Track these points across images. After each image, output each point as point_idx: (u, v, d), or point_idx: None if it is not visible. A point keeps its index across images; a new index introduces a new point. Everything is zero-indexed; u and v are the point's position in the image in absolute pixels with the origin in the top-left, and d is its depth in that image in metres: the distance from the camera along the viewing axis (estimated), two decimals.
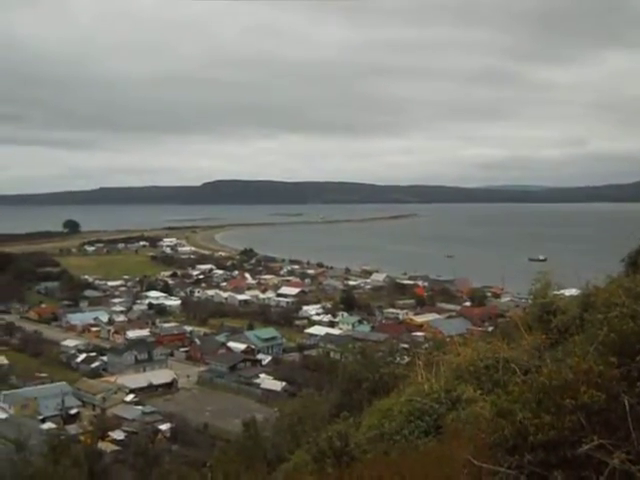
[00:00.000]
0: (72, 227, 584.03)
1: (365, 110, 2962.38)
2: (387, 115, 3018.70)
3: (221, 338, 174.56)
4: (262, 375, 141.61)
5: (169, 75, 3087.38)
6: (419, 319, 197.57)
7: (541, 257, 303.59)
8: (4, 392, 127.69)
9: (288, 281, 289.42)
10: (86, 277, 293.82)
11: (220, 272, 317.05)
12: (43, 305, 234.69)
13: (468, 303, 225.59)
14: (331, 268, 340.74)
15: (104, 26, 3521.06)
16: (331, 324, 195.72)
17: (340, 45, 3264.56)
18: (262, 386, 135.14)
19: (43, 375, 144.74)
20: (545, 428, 8.80)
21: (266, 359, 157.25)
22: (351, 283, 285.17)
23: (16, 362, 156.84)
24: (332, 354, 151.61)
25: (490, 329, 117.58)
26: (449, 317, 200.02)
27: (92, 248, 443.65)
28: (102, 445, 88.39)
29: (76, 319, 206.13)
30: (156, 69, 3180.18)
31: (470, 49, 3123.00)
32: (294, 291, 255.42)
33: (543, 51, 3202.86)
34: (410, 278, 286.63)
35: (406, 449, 14.95)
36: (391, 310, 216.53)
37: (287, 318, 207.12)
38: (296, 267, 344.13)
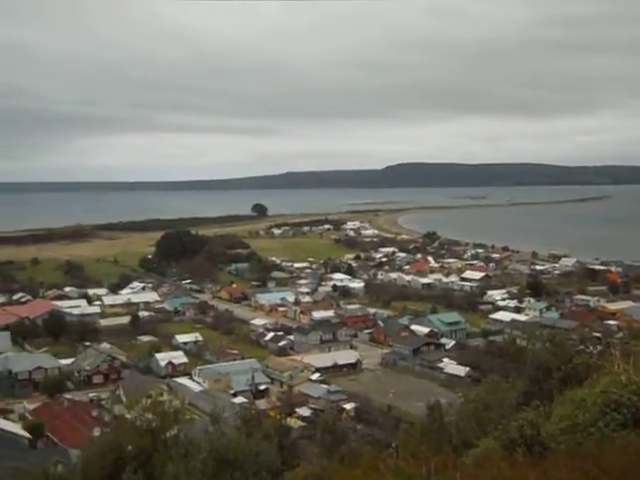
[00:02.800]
0: (260, 211, 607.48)
1: (550, 89, 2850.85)
2: (574, 93, 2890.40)
3: (404, 321, 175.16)
4: (445, 359, 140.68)
5: (349, 60, 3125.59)
6: (612, 306, 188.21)
7: None
8: (199, 367, 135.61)
9: (472, 265, 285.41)
10: (273, 259, 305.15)
11: (403, 255, 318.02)
12: (234, 285, 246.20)
13: None
14: (517, 252, 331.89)
15: (285, 14, 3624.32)
16: (517, 310, 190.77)
17: (521, 23, 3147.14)
18: (445, 370, 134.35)
19: (234, 352, 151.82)
20: None
21: (449, 343, 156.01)
22: (538, 268, 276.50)
23: (209, 339, 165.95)
24: (518, 341, 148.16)
25: None
26: None
27: (279, 231, 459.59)
28: (289, 421, 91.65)
29: (264, 299, 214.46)
30: (335, 54, 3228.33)
31: None
32: (478, 275, 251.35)
33: None
34: (602, 263, 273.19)
35: (602, 442, 14.37)
36: (581, 297, 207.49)
37: (471, 303, 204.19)
38: (480, 251, 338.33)
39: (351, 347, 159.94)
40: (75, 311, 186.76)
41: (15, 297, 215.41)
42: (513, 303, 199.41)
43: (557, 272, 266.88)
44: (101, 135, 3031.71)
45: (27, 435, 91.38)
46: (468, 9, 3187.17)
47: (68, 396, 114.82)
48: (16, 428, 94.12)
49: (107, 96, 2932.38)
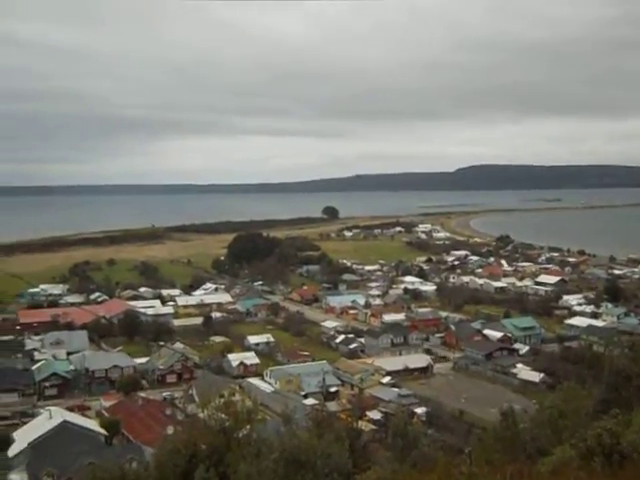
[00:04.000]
0: (331, 213, 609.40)
1: (626, 88, 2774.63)
2: None
3: (476, 325, 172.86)
4: (519, 365, 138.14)
5: (417, 61, 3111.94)
6: None
7: None
8: (271, 368, 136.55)
9: (547, 269, 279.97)
10: (344, 261, 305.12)
11: (475, 258, 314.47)
12: (305, 287, 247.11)
13: None
14: (594, 256, 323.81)
15: (351, 17, 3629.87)
16: (594, 315, 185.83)
17: (591, 21, 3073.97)
18: (519, 376, 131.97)
19: (305, 353, 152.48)
20: None
21: (523, 349, 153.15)
22: (616, 272, 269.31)
23: (281, 340, 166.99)
24: (595, 347, 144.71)
25: None
26: None
27: (350, 233, 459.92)
28: (360, 424, 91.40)
29: (335, 301, 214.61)
30: (403, 55, 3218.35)
31: None
32: (553, 279, 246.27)
33: None
34: None
35: None
36: None
37: (546, 307, 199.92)
38: (555, 254, 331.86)
39: (428, 352, 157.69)
40: (149, 311, 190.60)
41: (92, 297, 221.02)
42: (590, 308, 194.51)
43: (636, 276, 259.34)
44: (174, 139, 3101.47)
45: (103, 432, 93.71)
46: (532, 7, 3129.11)
47: (143, 394, 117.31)
48: (93, 425, 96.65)
49: (179, 100, 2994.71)
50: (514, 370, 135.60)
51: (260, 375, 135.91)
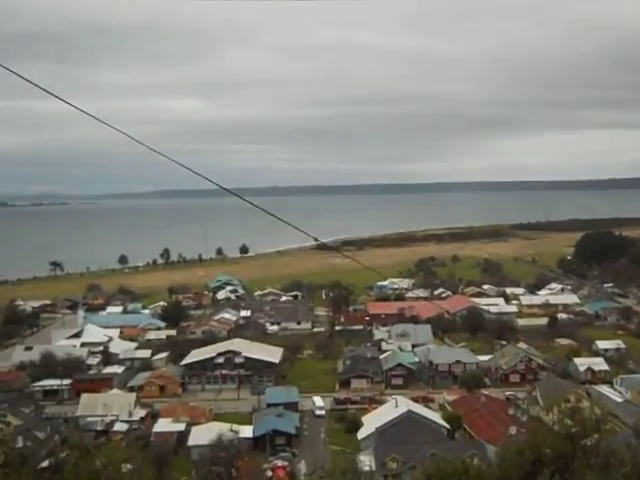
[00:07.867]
0: None
1: None
2: None
3: None
4: None
5: None
6: None
7: None
8: (621, 376, 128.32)
9: None
10: None
11: None
12: None
13: None
14: None
15: None
16: None
17: None
18: None
19: None
20: None
21: None
22: None
23: (633, 347, 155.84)
24: None
25: None
26: None
27: None
28: None
29: None
30: None
31: None
32: None
33: None
34: None
35: None
36: None
37: None
38: None
39: None
40: (492, 309, 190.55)
41: (436, 292, 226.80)
42: None
43: None
44: (512, 135, 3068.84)
45: (446, 425, 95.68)
46: None
47: (485, 392, 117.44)
48: (436, 417, 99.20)
49: (517, 96, 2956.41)
50: None
51: (609, 382, 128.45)
